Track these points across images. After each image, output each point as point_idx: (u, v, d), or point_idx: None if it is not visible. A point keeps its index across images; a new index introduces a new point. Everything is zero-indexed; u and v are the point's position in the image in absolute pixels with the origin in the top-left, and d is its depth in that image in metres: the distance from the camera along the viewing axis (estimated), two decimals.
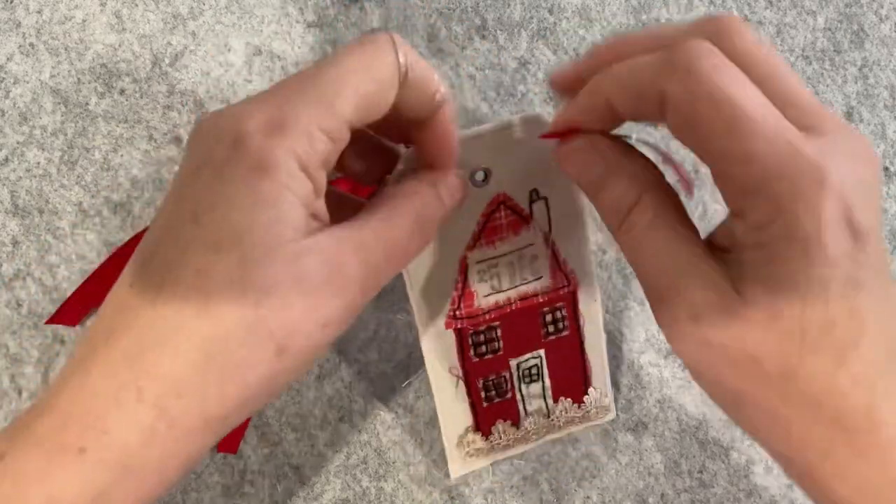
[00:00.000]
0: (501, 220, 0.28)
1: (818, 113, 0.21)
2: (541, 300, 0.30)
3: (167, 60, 0.38)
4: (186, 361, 0.20)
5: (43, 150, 0.37)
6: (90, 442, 0.20)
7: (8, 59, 0.37)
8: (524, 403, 0.32)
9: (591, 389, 0.33)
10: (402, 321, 0.36)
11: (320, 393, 0.36)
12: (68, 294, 0.35)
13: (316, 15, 0.39)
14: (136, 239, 0.36)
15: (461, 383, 0.30)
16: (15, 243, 0.36)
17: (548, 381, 0.32)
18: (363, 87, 0.22)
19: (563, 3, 0.40)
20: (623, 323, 0.37)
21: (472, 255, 0.28)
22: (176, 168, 0.37)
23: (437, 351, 0.29)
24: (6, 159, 0.36)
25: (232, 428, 0.22)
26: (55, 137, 0.37)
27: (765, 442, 0.23)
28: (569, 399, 0.32)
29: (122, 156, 0.37)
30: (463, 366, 0.30)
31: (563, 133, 0.25)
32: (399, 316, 0.36)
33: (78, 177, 0.36)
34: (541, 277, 0.30)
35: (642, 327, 0.37)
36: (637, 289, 0.38)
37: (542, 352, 0.31)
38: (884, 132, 0.40)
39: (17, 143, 0.36)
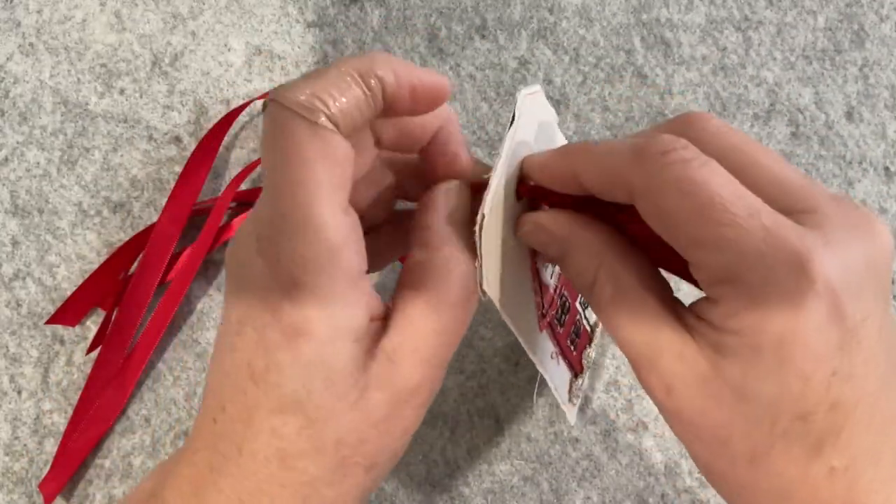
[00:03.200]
0: None
1: (808, 193, 0.20)
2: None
3: (167, 60, 0.38)
4: None
5: (43, 149, 0.36)
6: None
7: (8, 58, 0.37)
8: (589, 321, 0.33)
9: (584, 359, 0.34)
10: None
11: None
12: (68, 294, 0.35)
13: (316, 15, 0.38)
14: (136, 239, 0.36)
15: (561, 361, 0.30)
16: (14, 243, 0.36)
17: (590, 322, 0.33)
18: (329, 180, 0.21)
19: (563, 3, 0.40)
20: None
21: (539, 258, 0.28)
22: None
23: (543, 351, 0.29)
24: (6, 159, 0.36)
25: None
26: (55, 137, 0.37)
27: None
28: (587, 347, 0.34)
29: (121, 156, 0.37)
30: (558, 344, 0.30)
31: (533, 192, 0.25)
32: None
33: (78, 177, 0.36)
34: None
35: None
36: None
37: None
38: (884, 132, 0.40)
39: (17, 142, 0.36)
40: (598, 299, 0.23)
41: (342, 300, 0.21)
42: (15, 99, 0.37)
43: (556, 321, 0.30)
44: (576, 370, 0.32)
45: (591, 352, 0.33)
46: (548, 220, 0.24)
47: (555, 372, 0.30)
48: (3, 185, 0.36)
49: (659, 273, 0.23)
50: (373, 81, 0.22)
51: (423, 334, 0.22)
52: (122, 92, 0.37)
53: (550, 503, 0.35)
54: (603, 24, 0.40)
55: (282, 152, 0.21)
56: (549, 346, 0.29)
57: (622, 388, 0.37)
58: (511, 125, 0.25)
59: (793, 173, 0.21)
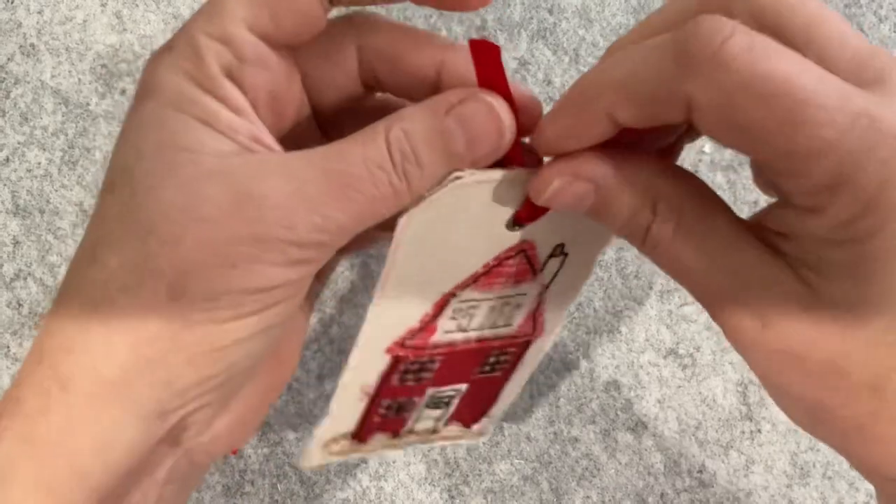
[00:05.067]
0: (511, 267, 0.24)
1: (878, 60, 0.17)
2: (495, 344, 0.27)
3: None
4: (73, 312, 0.18)
5: (44, 150, 0.37)
6: (9, 415, 0.19)
7: (9, 59, 0.37)
8: (415, 423, 0.28)
9: (484, 419, 0.30)
10: None
11: (320, 393, 0.36)
12: None
13: None
14: None
15: (365, 400, 0.26)
16: (16, 243, 0.36)
17: (452, 410, 0.28)
18: None
19: (563, 4, 0.40)
20: (623, 323, 0.37)
21: (460, 295, 0.24)
22: None
23: (361, 369, 0.25)
24: (7, 159, 0.36)
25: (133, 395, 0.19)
26: (56, 138, 0.37)
27: (851, 458, 0.20)
28: (459, 423, 0.29)
29: None
30: (378, 388, 0.26)
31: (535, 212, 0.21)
32: None
33: (79, 177, 0.37)
34: (509, 326, 0.26)
35: (642, 327, 0.37)
36: (637, 289, 0.38)
37: (464, 386, 0.28)
38: None
39: (18, 143, 0.37)
40: (657, 240, 0.19)
41: (193, 51, 0.18)
42: (16, 99, 0.37)
43: (405, 371, 0.26)
44: (359, 434, 0.27)
45: (385, 444, 0.28)
46: (582, 164, 0.19)
47: (343, 405, 0.26)
48: (4, 185, 0.36)
49: (717, 195, 0.20)
50: None
51: (315, 163, 0.18)
52: (123, 93, 0.37)
53: (550, 503, 0.35)
54: (603, 25, 0.40)
55: None
56: (371, 378, 0.25)
57: (622, 388, 0.37)
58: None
59: (858, 38, 0.17)
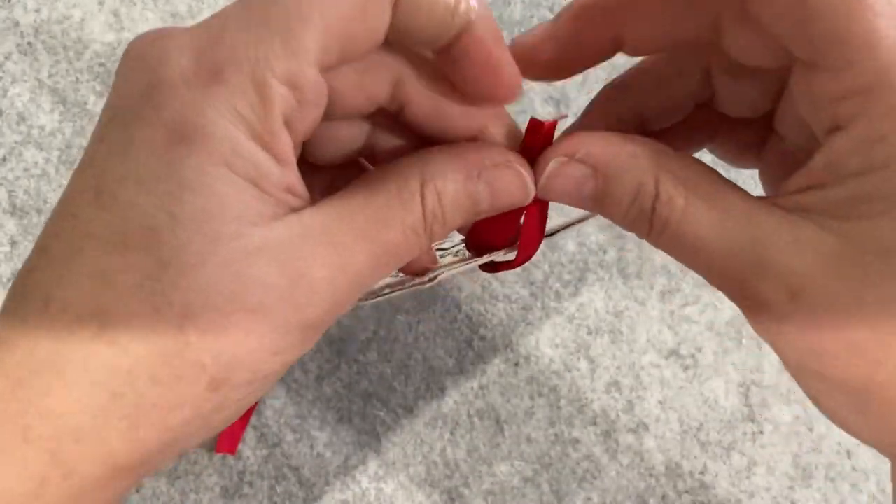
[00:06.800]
0: None
1: None
2: None
3: None
4: (83, 398, 0.15)
5: (41, 149, 0.36)
6: None
7: (6, 58, 0.37)
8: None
9: None
10: (402, 321, 0.36)
11: (319, 393, 0.35)
12: None
13: None
14: None
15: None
16: (13, 243, 0.36)
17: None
18: (336, 7, 0.16)
19: (563, 3, 0.40)
20: (623, 323, 0.37)
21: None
22: None
23: None
24: (4, 159, 0.36)
25: (152, 471, 0.17)
26: (53, 137, 0.36)
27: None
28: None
29: None
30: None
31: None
32: (399, 316, 0.36)
33: None
34: None
35: (643, 327, 0.37)
36: (637, 288, 0.38)
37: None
38: None
39: (15, 142, 0.36)
40: (665, 220, 0.18)
41: (256, 90, 0.15)
42: (13, 98, 0.37)
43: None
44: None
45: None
46: (578, 145, 0.18)
47: None
48: (2, 184, 0.36)
49: (723, 176, 0.18)
50: (462, 13, 0.17)
51: (357, 230, 0.17)
52: None
53: None
54: None
55: None
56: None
57: (623, 389, 0.36)
58: None
59: None
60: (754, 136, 0.21)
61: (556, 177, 0.18)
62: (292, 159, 0.17)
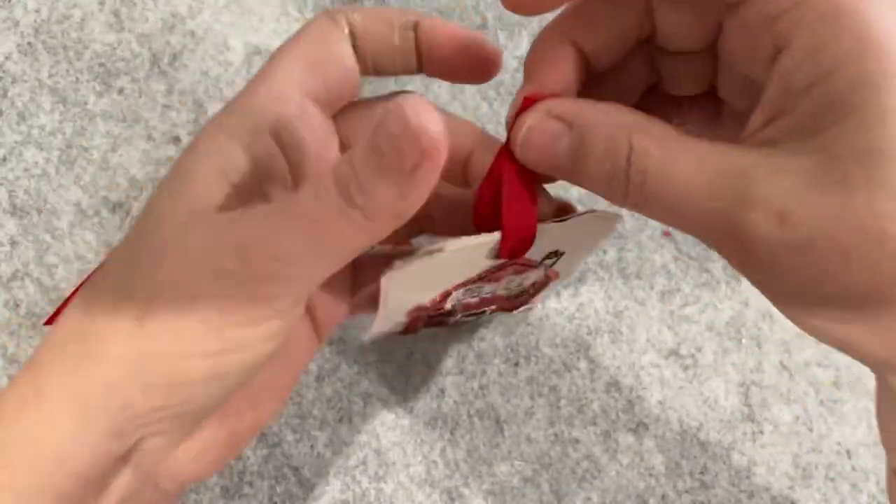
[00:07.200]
0: (507, 271, 0.24)
1: None
2: (510, 301, 0.27)
3: (166, 59, 0.38)
4: (65, 326, 0.20)
5: (41, 149, 0.36)
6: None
7: (6, 58, 0.37)
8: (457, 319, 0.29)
9: (523, 306, 0.30)
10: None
11: (319, 393, 0.36)
12: (67, 294, 0.35)
13: (316, 13, 0.38)
14: None
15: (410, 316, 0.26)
16: (13, 243, 0.36)
17: (488, 312, 0.29)
18: (307, 55, 0.21)
19: None
20: (623, 323, 0.37)
21: (459, 289, 0.25)
22: None
23: (385, 325, 0.26)
24: (4, 159, 0.36)
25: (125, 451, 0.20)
26: (53, 137, 0.36)
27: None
28: (501, 310, 0.30)
29: (120, 155, 0.37)
30: (406, 326, 0.27)
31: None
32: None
33: (76, 176, 0.36)
34: (521, 286, 0.27)
35: (643, 327, 0.37)
36: (637, 289, 0.38)
37: (493, 306, 0.28)
38: None
39: (15, 142, 0.36)
40: (643, 171, 0.18)
41: (251, 109, 0.21)
42: (13, 98, 0.37)
43: (428, 318, 0.27)
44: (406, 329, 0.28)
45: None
46: (555, 104, 0.19)
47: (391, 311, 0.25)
48: (2, 184, 0.36)
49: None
50: (407, 20, 0.22)
51: (277, 212, 0.19)
52: (120, 91, 0.37)
53: None
54: None
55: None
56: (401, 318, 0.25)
57: (622, 389, 0.36)
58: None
59: None
60: (698, 71, 0.21)
61: (533, 131, 0.19)
62: (286, 169, 0.21)
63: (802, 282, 0.17)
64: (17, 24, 0.37)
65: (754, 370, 0.37)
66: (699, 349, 0.37)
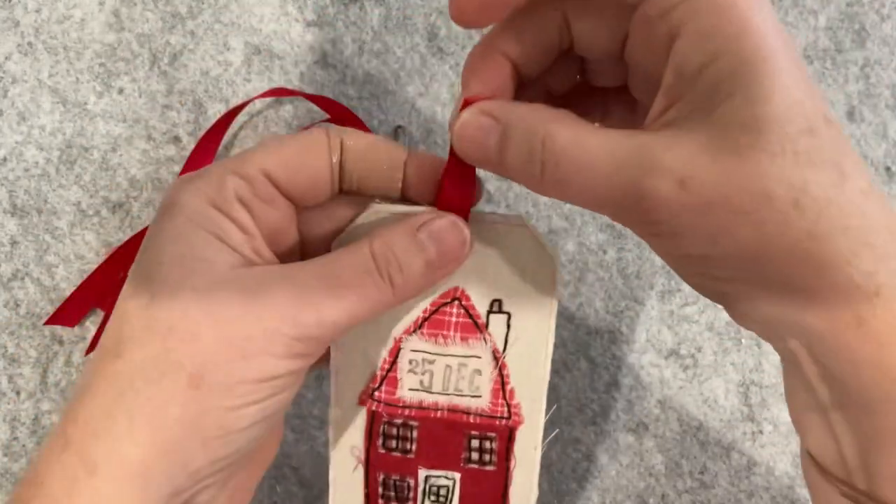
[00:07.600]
0: (451, 317, 0.25)
1: None
2: (471, 420, 0.26)
3: (166, 60, 0.37)
4: (98, 401, 0.20)
5: (41, 149, 0.36)
6: (32, 499, 0.20)
7: (6, 58, 0.37)
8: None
9: None
10: None
11: (320, 393, 0.35)
12: (67, 294, 0.35)
13: (315, 14, 0.38)
14: (135, 239, 0.36)
15: (360, 468, 0.27)
16: (13, 243, 0.36)
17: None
18: (283, 148, 0.23)
19: None
20: (623, 323, 0.37)
21: (408, 341, 0.26)
22: (175, 168, 0.37)
23: (344, 425, 0.26)
24: (4, 159, 0.36)
25: (174, 486, 0.20)
26: (53, 137, 0.36)
27: (788, 313, 0.19)
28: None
29: (120, 155, 0.37)
30: (367, 451, 0.27)
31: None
32: None
33: (76, 176, 0.36)
34: (479, 397, 0.26)
35: (643, 327, 0.37)
36: (637, 289, 0.38)
37: (457, 476, 0.27)
38: (885, 132, 0.40)
39: (16, 142, 0.36)
40: (556, 151, 0.20)
41: (217, 180, 0.22)
42: (13, 98, 0.37)
43: (386, 435, 0.27)
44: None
45: None
46: (487, 104, 0.22)
47: (341, 477, 0.26)
48: (2, 184, 0.36)
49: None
50: (398, 159, 0.24)
51: (310, 271, 0.22)
52: (120, 91, 0.37)
53: None
54: None
55: None
56: (357, 438, 0.26)
57: (622, 389, 0.36)
58: None
59: None
60: (614, 72, 0.23)
61: (467, 125, 0.22)
62: (254, 230, 0.22)
63: (701, 241, 0.19)
64: (17, 24, 0.37)
65: (754, 370, 0.37)
66: (699, 349, 0.37)
